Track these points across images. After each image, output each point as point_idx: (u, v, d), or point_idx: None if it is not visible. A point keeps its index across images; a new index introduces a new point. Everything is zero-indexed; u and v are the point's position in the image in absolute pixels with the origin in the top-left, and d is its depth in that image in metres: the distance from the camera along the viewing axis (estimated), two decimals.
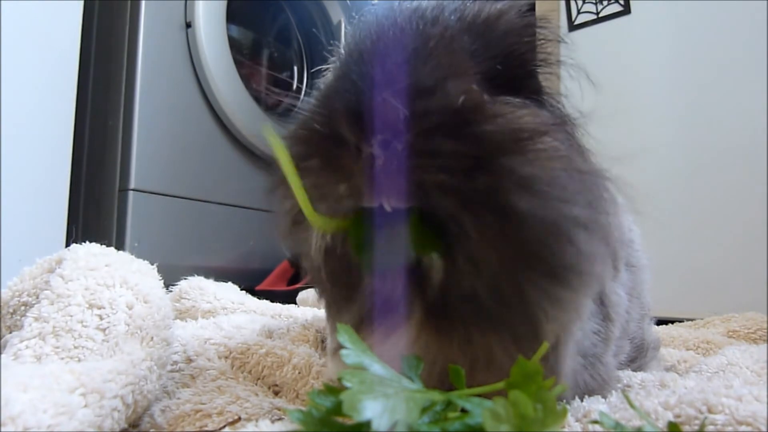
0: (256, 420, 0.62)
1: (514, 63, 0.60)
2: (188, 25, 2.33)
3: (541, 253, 0.50)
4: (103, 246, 0.78)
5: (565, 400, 0.63)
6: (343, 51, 0.61)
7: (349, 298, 0.59)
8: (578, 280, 0.53)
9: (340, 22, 3.00)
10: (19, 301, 0.71)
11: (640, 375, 0.80)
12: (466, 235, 0.49)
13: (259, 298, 1.45)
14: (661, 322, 1.58)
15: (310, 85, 3.05)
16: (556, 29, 0.64)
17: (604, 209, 0.55)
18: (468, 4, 0.60)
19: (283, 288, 2.45)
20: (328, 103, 0.54)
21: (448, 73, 0.52)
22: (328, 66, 0.71)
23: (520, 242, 0.49)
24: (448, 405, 0.45)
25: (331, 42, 0.68)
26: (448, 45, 0.55)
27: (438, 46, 0.54)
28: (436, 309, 0.55)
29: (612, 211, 0.57)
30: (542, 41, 0.63)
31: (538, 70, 0.63)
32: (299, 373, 0.79)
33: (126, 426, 0.57)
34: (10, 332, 0.69)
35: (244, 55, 2.82)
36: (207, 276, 1.38)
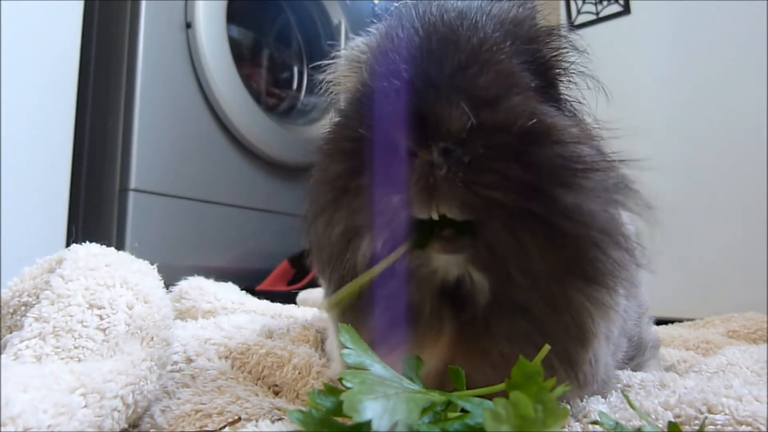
0: (256, 420, 0.62)
1: (537, 71, 0.59)
2: (188, 26, 2.33)
3: (583, 264, 0.52)
4: (103, 246, 0.78)
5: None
6: (376, 46, 0.57)
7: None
8: (614, 282, 0.55)
9: (340, 23, 3.00)
10: (19, 301, 0.71)
11: (639, 375, 0.80)
12: (521, 250, 0.49)
13: (259, 299, 1.45)
14: (661, 322, 1.58)
15: (309, 86, 3.05)
16: (574, 38, 0.63)
17: (625, 220, 0.56)
18: (493, 6, 0.59)
19: (283, 288, 2.45)
20: (373, 106, 0.50)
21: (511, 85, 0.51)
22: (330, 64, 0.70)
23: (565, 256, 0.51)
24: (449, 406, 0.45)
25: (331, 42, 0.67)
26: (502, 52, 0.53)
27: (495, 52, 0.52)
28: (472, 327, 0.55)
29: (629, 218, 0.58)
30: (564, 50, 0.62)
31: (560, 79, 0.62)
32: (299, 373, 0.79)
33: (126, 426, 0.57)
34: (11, 332, 0.69)
35: (244, 55, 2.82)
36: (207, 276, 1.38)
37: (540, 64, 0.60)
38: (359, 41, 0.66)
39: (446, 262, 0.53)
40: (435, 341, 0.57)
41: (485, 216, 0.48)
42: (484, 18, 0.56)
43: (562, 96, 0.63)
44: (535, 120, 0.48)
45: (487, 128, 0.47)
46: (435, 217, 0.49)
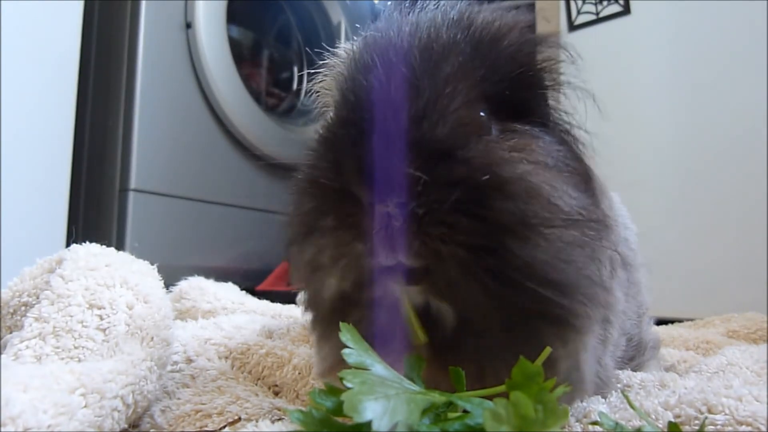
0: (256, 420, 0.62)
1: (521, 86, 0.59)
2: (188, 26, 2.33)
3: (544, 310, 0.51)
4: (103, 246, 0.78)
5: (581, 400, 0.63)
6: (347, 83, 0.58)
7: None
8: (582, 323, 0.55)
9: (340, 23, 3.00)
10: (19, 301, 0.71)
11: (640, 375, 0.80)
12: (476, 296, 0.50)
13: (259, 299, 1.45)
14: (661, 322, 1.58)
15: (309, 86, 3.05)
16: (563, 49, 0.62)
17: (602, 263, 0.57)
18: (471, 19, 0.58)
19: (284, 288, 2.45)
20: (336, 156, 0.52)
21: (469, 134, 0.51)
22: (317, 72, 0.70)
23: (524, 303, 0.50)
24: (449, 406, 0.45)
25: (331, 43, 0.67)
26: (466, 92, 0.53)
27: (456, 96, 0.53)
28: (446, 350, 0.55)
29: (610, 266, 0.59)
30: (551, 63, 0.61)
31: (548, 91, 0.62)
32: (299, 373, 0.79)
33: (126, 426, 0.57)
34: (11, 332, 0.69)
35: (244, 55, 2.82)
36: (207, 276, 1.38)
37: (525, 78, 0.59)
38: (342, 50, 0.66)
39: (409, 291, 0.53)
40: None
41: (440, 265, 0.50)
42: (456, 39, 0.56)
43: (549, 111, 0.62)
44: (488, 176, 0.49)
45: (440, 183, 0.49)
46: (401, 261, 0.50)
